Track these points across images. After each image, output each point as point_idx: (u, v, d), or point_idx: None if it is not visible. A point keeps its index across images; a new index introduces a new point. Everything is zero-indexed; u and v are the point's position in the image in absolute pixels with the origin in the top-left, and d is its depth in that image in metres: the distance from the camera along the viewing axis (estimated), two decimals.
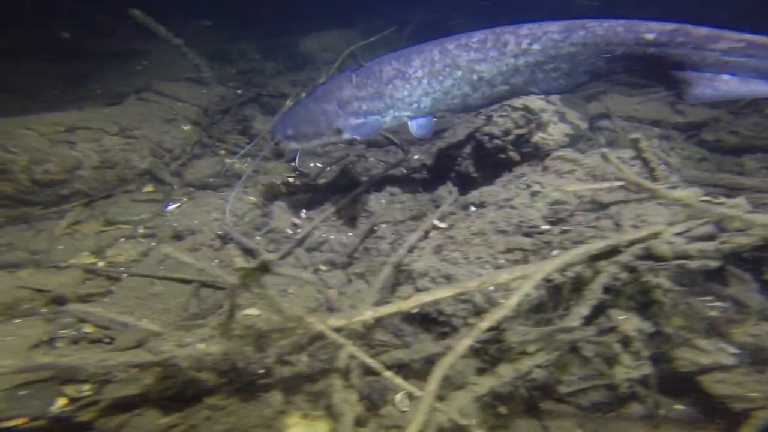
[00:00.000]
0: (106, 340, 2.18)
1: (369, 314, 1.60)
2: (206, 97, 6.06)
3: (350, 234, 3.10)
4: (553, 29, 2.80)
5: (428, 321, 1.98)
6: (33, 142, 3.47)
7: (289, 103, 6.16)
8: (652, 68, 2.67)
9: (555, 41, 2.77)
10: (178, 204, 3.77)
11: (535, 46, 2.80)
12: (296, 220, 3.36)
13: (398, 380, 1.44)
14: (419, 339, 1.94)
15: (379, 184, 3.65)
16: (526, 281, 1.26)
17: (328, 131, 3.09)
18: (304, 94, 6.14)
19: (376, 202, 3.22)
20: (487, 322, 1.24)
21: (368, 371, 1.76)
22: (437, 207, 3.03)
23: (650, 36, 2.57)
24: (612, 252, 1.31)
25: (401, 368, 1.72)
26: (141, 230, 3.38)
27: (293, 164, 3.18)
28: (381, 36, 7.82)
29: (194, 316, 2.52)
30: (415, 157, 4.40)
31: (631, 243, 1.35)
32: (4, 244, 2.80)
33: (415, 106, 3.12)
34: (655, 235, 1.32)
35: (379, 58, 3.23)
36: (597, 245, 1.31)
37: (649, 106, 3.93)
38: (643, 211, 1.59)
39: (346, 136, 3.15)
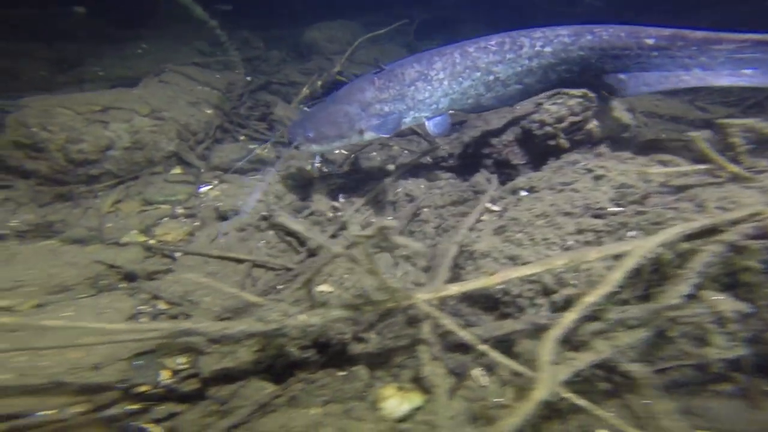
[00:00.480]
0: (182, 317, 2.22)
1: (455, 289, 1.69)
2: (219, 82, 6.00)
3: (390, 218, 3.19)
4: (563, 33, 2.94)
5: (488, 302, 2.09)
6: (69, 121, 3.42)
7: (306, 91, 6.17)
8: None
9: (565, 44, 2.90)
10: (211, 186, 3.78)
11: (548, 49, 2.93)
12: (335, 204, 3.43)
13: (496, 354, 1.52)
14: (482, 319, 2.05)
15: (412, 170, 3.75)
16: (629, 257, 1.37)
17: (350, 133, 3.10)
18: (320, 83, 6.15)
19: (416, 187, 3.32)
20: (592, 297, 1.34)
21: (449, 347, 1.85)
22: (477, 193, 3.16)
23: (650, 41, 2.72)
24: (710, 231, 1.41)
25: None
26: (180, 210, 3.39)
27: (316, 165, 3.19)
28: (386, 30, 7.92)
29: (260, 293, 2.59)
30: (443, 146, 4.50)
31: (735, 222, 1.44)
32: (57, 221, 2.78)
33: (434, 106, 3.22)
34: (755, 216, 1.42)
35: (400, 61, 3.30)
36: (697, 223, 1.42)
37: (669, 103, 4.14)
38: (728, 194, 1.67)
39: (368, 137, 3.19)
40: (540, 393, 1.09)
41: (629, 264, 1.36)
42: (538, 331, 1.65)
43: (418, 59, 3.22)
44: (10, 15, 8.79)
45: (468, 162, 3.79)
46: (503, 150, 3.19)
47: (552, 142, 2.84)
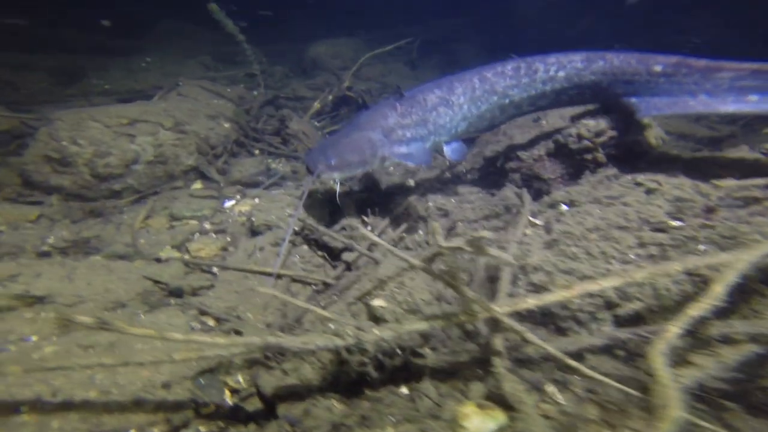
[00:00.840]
0: (232, 333, 2.17)
1: (532, 302, 1.69)
2: (231, 96, 5.98)
3: (420, 232, 3.19)
4: (576, 58, 3.01)
5: (541, 316, 2.08)
6: (98, 135, 3.36)
7: (317, 105, 6.20)
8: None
9: (578, 69, 2.98)
10: (234, 201, 3.74)
11: (561, 74, 3.02)
12: (365, 218, 3.42)
13: (586, 369, 1.48)
14: (538, 333, 2.04)
15: (435, 185, 3.77)
16: (729, 270, 1.37)
17: (372, 159, 3.06)
18: (330, 98, 6.19)
19: (446, 201, 3.33)
20: (695, 311, 1.34)
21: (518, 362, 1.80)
22: (507, 207, 3.18)
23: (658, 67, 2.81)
24: None
25: (548, 360, 1.74)
26: (208, 225, 3.33)
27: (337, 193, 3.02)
28: (391, 47, 8.05)
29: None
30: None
31: None
32: (93, 237, 2.70)
33: (453, 131, 3.28)
34: None
35: (420, 87, 3.35)
36: None
37: (677, 121, 4.28)
38: None
39: (389, 163, 3.19)
40: (674, 411, 1.06)
41: (730, 277, 1.36)
42: (614, 347, 1.65)
43: (438, 85, 3.28)
44: (6, 25, 8.68)
45: (491, 176, 3.83)
46: (533, 164, 3.24)
47: (588, 156, 2.89)
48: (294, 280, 2.80)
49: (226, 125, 4.72)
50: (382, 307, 2.12)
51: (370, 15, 12.40)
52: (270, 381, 1.89)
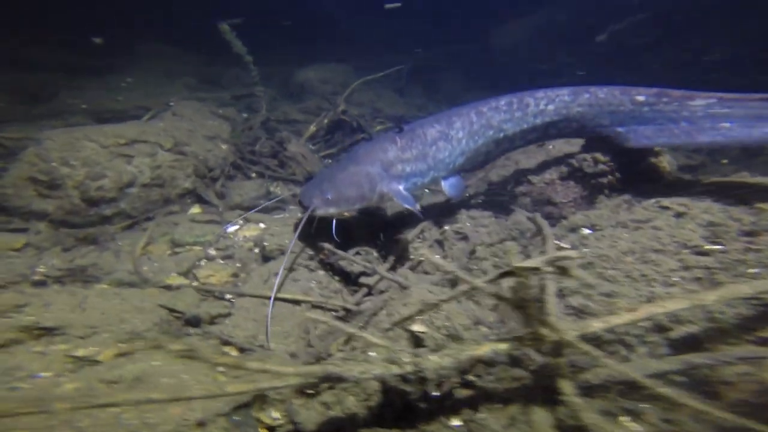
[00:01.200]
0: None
1: (598, 325, 1.63)
2: (223, 118, 5.83)
3: (437, 256, 3.12)
4: (563, 92, 3.12)
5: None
6: (93, 155, 3.13)
7: (312, 128, 6.12)
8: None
9: (566, 102, 3.08)
10: (238, 226, 3.57)
11: (550, 107, 3.12)
12: (377, 242, 3.32)
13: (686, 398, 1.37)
14: (582, 359, 1.97)
15: (444, 211, 3.72)
16: None
17: (371, 195, 2.94)
18: (326, 121, 6.14)
19: (462, 224, 3.29)
20: None
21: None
22: (521, 231, 3.18)
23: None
24: None
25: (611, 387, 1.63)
26: (213, 251, 3.13)
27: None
28: (383, 74, 8.17)
29: (323, 337, 2.39)
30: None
31: None
32: (89, 265, 2.47)
33: (451, 165, 3.25)
34: None
35: (419, 121, 3.33)
36: None
37: None
38: None
39: (387, 199, 3.09)
40: None
41: None
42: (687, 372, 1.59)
43: (437, 119, 3.27)
44: None
45: (497, 201, 3.84)
46: (545, 188, 3.26)
47: (604, 180, 2.94)
48: (314, 306, 2.66)
49: (224, 147, 4.57)
50: (422, 332, 2.02)
51: (357, 43, 12.64)
52: (310, 416, 1.74)
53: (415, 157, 3.12)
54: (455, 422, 1.67)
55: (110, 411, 1.45)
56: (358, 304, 2.70)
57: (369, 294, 2.77)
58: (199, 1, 13.22)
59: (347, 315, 2.61)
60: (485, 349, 1.56)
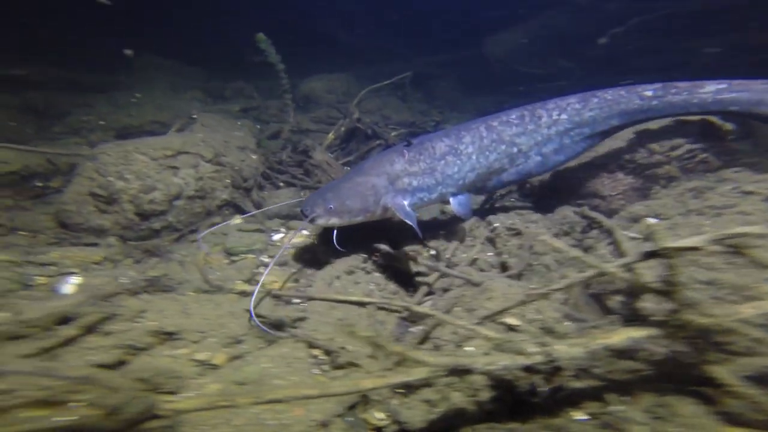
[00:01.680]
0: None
1: (749, 311, 1.46)
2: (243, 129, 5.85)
3: (490, 253, 3.17)
4: (573, 100, 3.16)
5: None
6: (144, 168, 3.14)
7: (331, 136, 6.18)
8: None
9: (576, 109, 3.12)
10: (283, 234, 3.60)
11: (563, 116, 3.13)
12: (426, 243, 3.36)
13: None
14: None
15: (482, 212, 3.79)
16: None
17: (375, 207, 2.87)
18: (343, 129, 6.20)
19: (514, 221, 3.25)
20: None
21: None
22: (570, 225, 3.23)
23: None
24: None
25: None
26: (266, 259, 3.17)
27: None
28: (389, 82, 8.29)
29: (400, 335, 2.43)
30: None
31: None
32: (161, 275, 2.47)
33: (461, 182, 3.15)
34: None
35: (428, 135, 3.26)
36: None
37: None
38: None
39: (390, 213, 2.97)
40: None
41: None
42: None
43: (446, 133, 3.20)
44: None
45: (535, 197, 3.93)
46: (591, 182, 3.32)
47: (660, 170, 2.99)
48: (380, 308, 2.70)
49: (254, 157, 4.59)
50: (516, 325, 2.06)
51: (356, 54, 12.76)
52: (414, 414, 1.76)
53: (423, 171, 3.03)
54: (580, 416, 1.61)
55: (252, 411, 1.48)
56: (419, 303, 2.75)
57: (429, 293, 2.82)
58: (195, 14, 13.22)
59: (411, 315, 2.66)
60: (620, 337, 1.51)
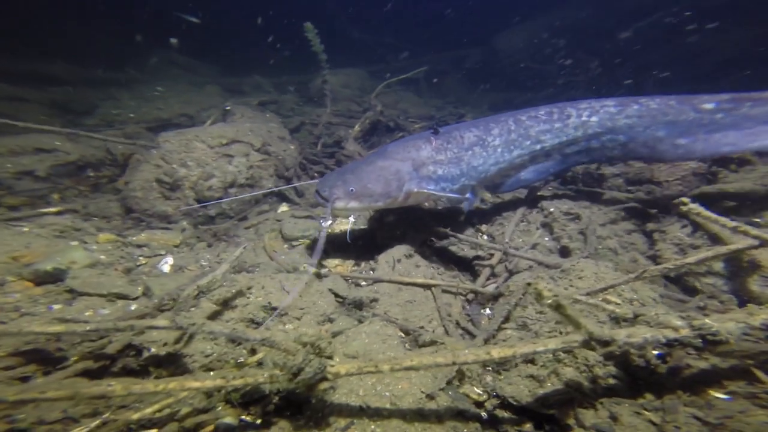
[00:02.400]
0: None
1: None
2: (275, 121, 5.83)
3: (547, 238, 3.15)
4: (609, 103, 2.95)
5: None
6: (203, 156, 3.13)
7: (357, 128, 6.16)
8: None
9: (611, 114, 2.91)
10: (331, 221, 3.61)
11: (594, 119, 2.92)
12: (479, 228, 3.35)
13: None
14: None
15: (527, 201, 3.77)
16: None
17: (397, 193, 2.65)
18: (368, 121, 6.18)
19: (572, 206, 3.17)
20: None
21: None
22: (626, 210, 3.20)
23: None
24: None
25: None
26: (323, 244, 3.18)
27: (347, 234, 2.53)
28: (406, 76, 8.26)
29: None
30: None
31: None
32: (242, 259, 2.48)
33: (483, 175, 3.00)
34: None
35: (456, 125, 3.13)
36: None
37: None
38: None
39: (412, 200, 2.79)
40: None
41: None
42: None
43: (475, 124, 3.06)
44: None
45: (574, 186, 3.92)
46: (644, 167, 3.31)
47: None
48: (444, 290, 2.72)
49: (292, 147, 4.58)
50: (617, 304, 2.03)
51: (367, 51, 12.71)
52: (520, 390, 1.75)
53: (449, 160, 2.86)
54: (719, 394, 1.56)
55: (369, 381, 1.50)
56: (483, 286, 2.77)
57: (492, 276, 2.84)
58: (207, 12, 13.06)
59: (476, 297, 2.68)
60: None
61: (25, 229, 2.21)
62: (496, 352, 1.42)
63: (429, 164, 2.83)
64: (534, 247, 3.00)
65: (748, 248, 1.72)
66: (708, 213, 1.95)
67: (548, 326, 2.01)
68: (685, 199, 1.93)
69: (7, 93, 7.32)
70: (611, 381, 1.66)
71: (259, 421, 1.29)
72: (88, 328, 1.24)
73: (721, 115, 2.77)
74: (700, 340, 1.39)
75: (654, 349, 1.60)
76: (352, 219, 3.51)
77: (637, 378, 1.65)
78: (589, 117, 2.99)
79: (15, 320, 1.48)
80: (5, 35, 9.30)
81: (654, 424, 1.50)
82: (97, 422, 1.11)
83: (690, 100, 2.85)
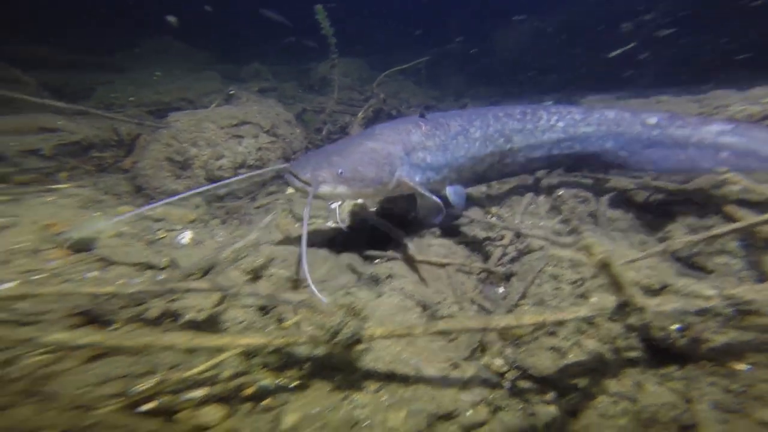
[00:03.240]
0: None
1: None
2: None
3: (557, 220, 3.16)
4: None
5: None
6: (213, 136, 3.09)
7: (361, 115, 6.12)
8: None
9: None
10: (339, 203, 3.60)
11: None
12: (490, 210, 3.36)
13: None
14: None
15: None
16: None
17: (389, 179, 2.38)
18: (371, 109, 6.15)
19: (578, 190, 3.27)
20: None
21: None
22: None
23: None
24: None
25: None
26: (332, 224, 3.17)
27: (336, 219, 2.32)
28: (407, 66, 8.22)
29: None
30: None
31: None
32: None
33: (459, 168, 2.85)
34: None
35: (441, 113, 3.00)
36: None
37: None
38: None
39: (404, 189, 2.56)
40: None
41: None
42: None
43: (459, 114, 2.97)
44: None
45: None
46: None
47: None
48: (458, 270, 2.72)
49: (298, 131, 4.53)
50: (638, 281, 2.02)
51: (366, 42, 12.60)
52: (542, 361, 1.76)
53: (437, 147, 2.69)
54: (740, 366, 1.57)
55: (395, 349, 1.50)
56: (496, 266, 2.78)
57: (503, 256, 2.85)
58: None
59: (489, 277, 2.70)
60: None
61: (50, 199, 2.18)
62: (528, 318, 1.43)
63: (419, 150, 2.61)
64: (543, 228, 3.02)
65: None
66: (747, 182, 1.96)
67: (567, 303, 2.03)
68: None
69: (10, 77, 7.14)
70: (633, 353, 1.68)
71: (294, 384, 1.29)
72: (133, 290, 1.22)
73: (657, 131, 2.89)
74: (731, 310, 1.38)
75: (674, 323, 1.61)
76: (360, 201, 3.50)
77: (658, 350, 1.67)
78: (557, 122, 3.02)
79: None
80: None
81: (678, 392, 1.54)
82: (156, 379, 1.11)
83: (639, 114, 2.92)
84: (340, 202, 2.91)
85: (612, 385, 1.63)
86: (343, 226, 2.38)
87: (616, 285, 1.23)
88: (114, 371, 1.14)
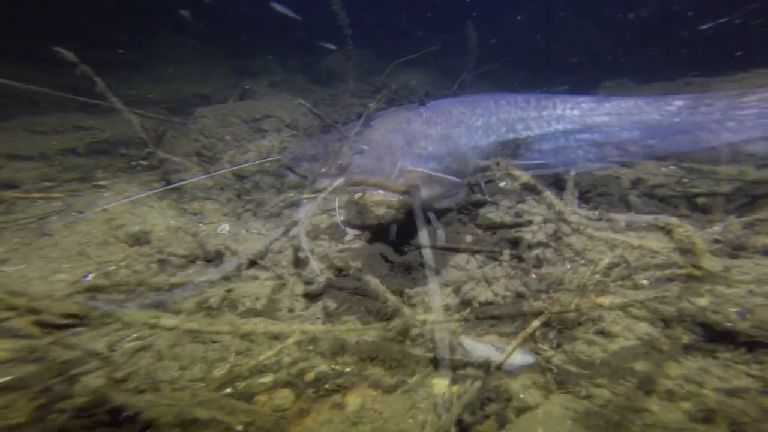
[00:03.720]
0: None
1: None
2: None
3: (584, 206, 3.14)
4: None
5: None
6: (239, 131, 3.11)
7: (373, 106, 6.10)
8: None
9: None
10: (360, 194, 3.62)
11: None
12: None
13: None
14: None
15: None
16: None
17: (391, 170, 2.21)
18: (383, 100, 6.12)
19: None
20: None
21: None
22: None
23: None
24: None
25: None
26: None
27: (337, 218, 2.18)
28: (416, 55, 8.14)
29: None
30: None
31: None
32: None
33: (462, 157, 2.65)
34: None
35: (443, 100, 2.87)
36: None
37: None
38: None
39: (408, 180, 2.27)
40: None
41: None
42: None
43: (460, 101, 2.86)
44: None
45: None
46: None
47: None
48: (488, 257, 2.73)
49: (315, 123, 4.54)
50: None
51: (372, 32, 12.46)
52: (588, 347, 1.74)
53: (439, 137, 2.54)
54: None
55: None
56: (526, 252, 2.77)
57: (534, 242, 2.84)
58: None
59: (519, 263, 2.69)
60: None
61: (106, 195, 2.23)
62: (585, 301, 1.45)
63: (420, 139, 2.45)
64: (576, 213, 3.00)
65: None
66: None
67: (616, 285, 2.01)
68: None
69: (16, 74, 7.17)
70: (689, 337, 1.64)
71: (348, 369, 1.32)
72: (202, 279, 1.26)
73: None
74: None
75: (733, 307, 1.58)
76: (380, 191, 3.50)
77: (715, 335, 1.62)
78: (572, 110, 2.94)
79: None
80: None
81: (750, 375, 1.47)
82: (228, 366, 1.15)
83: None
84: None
85: (673, 367, 1.53)
86: (344, 226, 2.29)
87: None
88: (194, 356, 1.18)
